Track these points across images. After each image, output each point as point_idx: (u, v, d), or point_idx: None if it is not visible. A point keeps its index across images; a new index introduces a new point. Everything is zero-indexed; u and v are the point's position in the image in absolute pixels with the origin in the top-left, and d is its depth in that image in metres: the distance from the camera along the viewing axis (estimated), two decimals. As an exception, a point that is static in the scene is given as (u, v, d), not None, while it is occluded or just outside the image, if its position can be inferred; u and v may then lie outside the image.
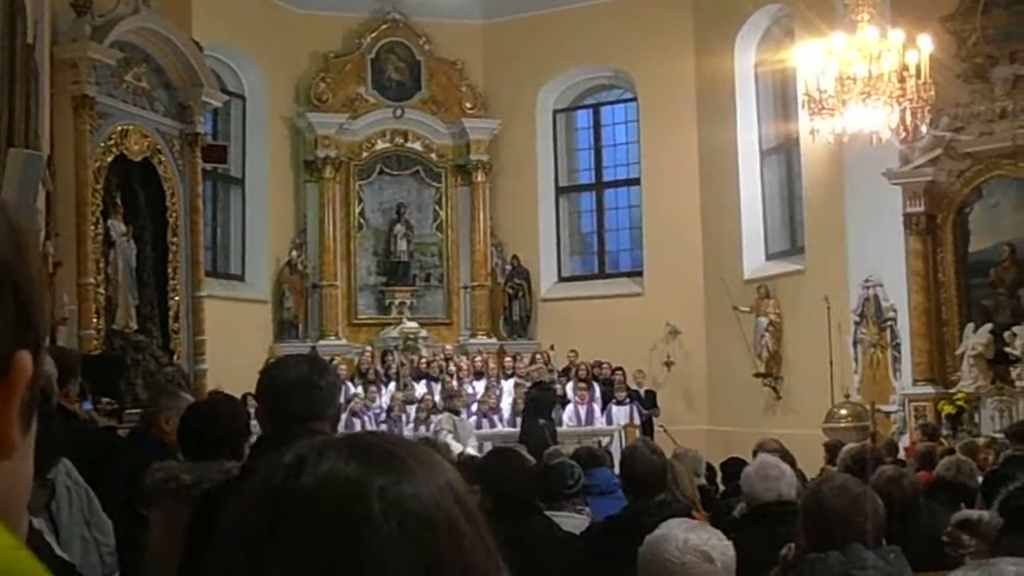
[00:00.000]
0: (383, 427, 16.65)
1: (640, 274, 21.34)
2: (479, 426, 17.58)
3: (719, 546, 3.25)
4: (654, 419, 18.01)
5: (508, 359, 19.98)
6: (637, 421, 17.80)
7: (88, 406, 8.10)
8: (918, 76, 13.04)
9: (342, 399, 10.71)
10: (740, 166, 19.49)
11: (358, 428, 15.70)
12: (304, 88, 21.20)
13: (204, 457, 4.07)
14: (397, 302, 21.09)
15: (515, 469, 5.13)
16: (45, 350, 0.99)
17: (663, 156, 20.79)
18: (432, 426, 16.22)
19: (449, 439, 14.14)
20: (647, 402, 18.28)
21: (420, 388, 18.55)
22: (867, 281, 16.13)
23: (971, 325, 15.23)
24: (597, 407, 18.14)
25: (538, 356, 19.69)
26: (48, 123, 11.18)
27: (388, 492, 1.01)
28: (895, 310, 15.91)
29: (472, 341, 21.06)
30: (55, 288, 9.89)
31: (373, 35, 21.54)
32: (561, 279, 22.22)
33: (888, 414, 15.77)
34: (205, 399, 5.04)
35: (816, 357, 16.60)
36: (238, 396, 6.28)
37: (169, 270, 13.93)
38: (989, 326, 15.02)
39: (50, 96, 11.50)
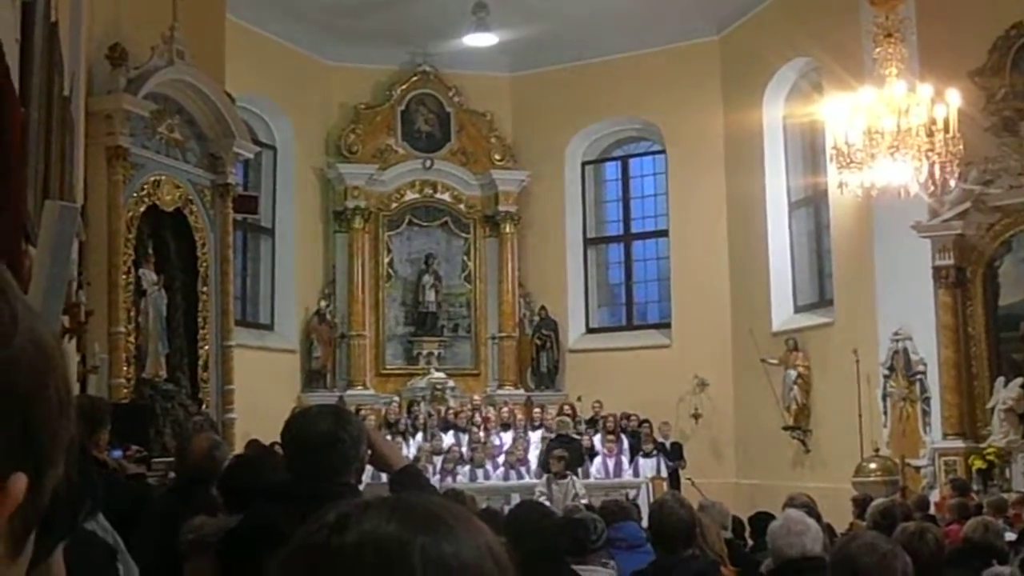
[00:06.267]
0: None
1: (668, 326, 21.31)
2: (506, 477, 17.53)
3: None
4: (680, 472, 17.91)
5: (536, 410, 19.95)
6: (664, 474, 17.71)
7: (117, 454, 8.13)
8: (946, 130, 13.07)
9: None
10: (768, 218, 19.49)
11: (384, 479, 15.65)
12: (334, 139, 21.37)
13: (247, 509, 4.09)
14: (425, 352, 21.12)
15: (541, 522, 5.12)
16: (53, 475, 0.97)
17: (691, 208, 20.83)
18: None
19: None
20: (673, 454, 18.18)
21: (447, 439, 18.52)
22: (896, 334, 16.06)
23: (1002, 379, 15.12)
24: (625, 459, 18.06)
25: (566, 408, 19.64)
26: (82, 173, 11.30)
27: (429, 550, 1.03)
28: (924, 363, 15.82)
29: (499, 392, 21.05)
30: (86, 337, 9.96)
31: (403, 87, 21.73)
32: (589, 330, 22.22)
33: (918, 468, 15.65)
34: (247, 452, 5.07)
35: (845, 410, 16.51)
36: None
37: (199, 319, 14.01)
38: (1020, 380, 14.92)
39: (84, 147, 11.64)
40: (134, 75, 12.92)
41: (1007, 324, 15.45)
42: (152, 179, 13.36)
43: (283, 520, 3.06)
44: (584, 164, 22.56)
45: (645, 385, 19.54)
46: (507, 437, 18.77)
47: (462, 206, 21.87)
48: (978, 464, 14.86)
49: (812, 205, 19.25)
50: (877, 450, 15.93)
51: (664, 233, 21.76)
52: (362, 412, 17.33)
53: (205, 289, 14.08)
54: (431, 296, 21.36)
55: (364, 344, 20.81)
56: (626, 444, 18.30)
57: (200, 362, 13.98)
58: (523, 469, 17.75)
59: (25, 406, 0.93)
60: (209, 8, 14.86)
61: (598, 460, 17.98)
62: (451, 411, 19.50)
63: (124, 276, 12.68)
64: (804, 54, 18.52)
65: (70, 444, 0.98)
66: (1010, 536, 8.11)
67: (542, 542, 4.89)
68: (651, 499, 14.64)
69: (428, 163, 21.66)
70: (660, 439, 18.41)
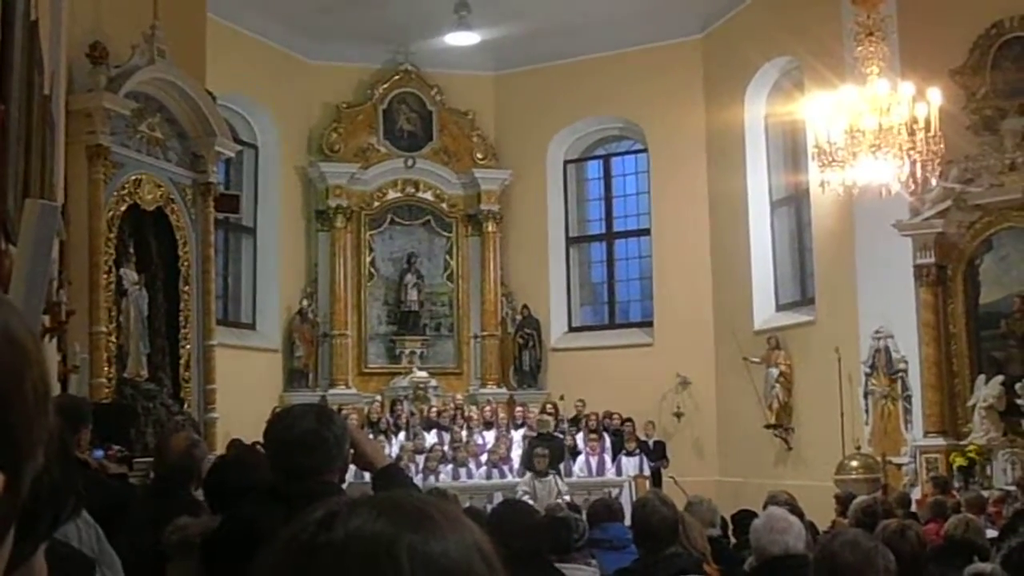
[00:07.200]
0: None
1: (650, 324, 21.33)
2: (489, 476, 17.52)
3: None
4: (662, 470, 17.95)
5: (518, 409, 19.94)
6: (647, 472, 17.73)
7: (99, 454, 8.11)
8: (927, 129, 13.12)
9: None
10: (750, 217, 19.52)
11: (367, 478, 15.62)
12: (316, 138, 21.33)
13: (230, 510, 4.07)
14: (407, 351, 21.10)
15: (525, 521, 5.12)
16: (31, 471, 0.97)
17: (673, 207, 20.85)
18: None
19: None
20: (655, 453, 18.22)
21: (430, 438, 18.52)
22: (878, 332, 16.11)
23: (982, 377, 15.18)
24: (608, 458, 18.07)
25: (548, 406, 19.66)
26: (62, 172, 11.24)
27: (417, 548, 1.02)
28: (906, 361, 15.88)
29: (482, 391, 21.05)
30: (67, 337, 9.91)
31: (385, 86, 21.70)
32: (571, 329, 22.22)
33: (899, 466, 15.70)
34: (230, 452, 5.04)
35: (827, 408, 16.56)
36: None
37: (181, 319, 13.94)
38: (1000, 378, 14.98)
39: (64, 145, 11.57)
40: (115, 73, 12.84)
41: (988, 322, 15.51)
42: (133, 178, 13.28)
43: (267, 520, 3.05)
44: (566, 163, 22.57)
45: (627, 384, 19.55)
46: (490, 436, 18.77)
47: (444, 205, 21.85)
48: (959, 461, 14.91)
49: (794, 204, 19.28)
50: (859, 448, 15.98)
51: (646, 232, 21.78)
52: (344, 411, 17.30)
53: (187, 288, 14.01)
54: (413, 295, 21.34)
55: (346, 343, 20.78)
56: (608, 443, 18.32)
57: (182, 362, 13.91)
58: (506, 468, 17.74)
59: (0, 403, 0.92)
60: (190, 6, 14.79)
61: (581, 459, 17.98)
62: (433, 410, 19.50)
63: (105, 275, 12.60)
64: (786, 53, 18.55)
65: (49, 440, 0.97)
66: (992, 533, 8.13)
67: (525, 541, 4.89)
68: (634, 497, 14.66)
69: (410, 162, 21.64)
70: (643, 437, 18.44)
